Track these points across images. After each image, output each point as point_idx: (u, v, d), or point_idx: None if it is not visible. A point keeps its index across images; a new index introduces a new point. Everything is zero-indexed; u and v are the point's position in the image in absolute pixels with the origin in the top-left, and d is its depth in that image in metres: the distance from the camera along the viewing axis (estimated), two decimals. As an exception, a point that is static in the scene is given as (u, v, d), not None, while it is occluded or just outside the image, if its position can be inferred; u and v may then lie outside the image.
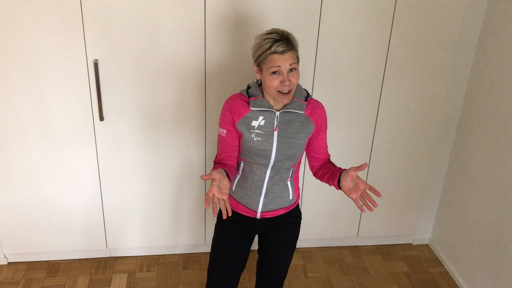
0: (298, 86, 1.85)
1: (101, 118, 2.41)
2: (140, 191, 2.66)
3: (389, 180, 2.84)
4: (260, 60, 1.71)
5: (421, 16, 2.42)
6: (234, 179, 1.94)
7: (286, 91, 1.71)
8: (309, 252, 2.98)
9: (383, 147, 2.73)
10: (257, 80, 1.85)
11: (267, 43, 1.67)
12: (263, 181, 1.88)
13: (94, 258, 2.83)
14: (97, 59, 2.29)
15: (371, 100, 2.60)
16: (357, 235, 2.99)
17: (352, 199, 1.76)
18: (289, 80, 1.69)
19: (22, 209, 2.60)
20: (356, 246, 3.05)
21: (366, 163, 1.69)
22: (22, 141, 2.43)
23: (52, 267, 2.74)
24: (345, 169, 1.80)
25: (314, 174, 1.99)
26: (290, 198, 1.96)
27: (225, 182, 1.67)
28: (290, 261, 2.10)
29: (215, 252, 2.03)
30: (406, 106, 2.64)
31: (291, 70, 1.70)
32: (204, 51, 2.35)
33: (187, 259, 2.86)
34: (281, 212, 1.96)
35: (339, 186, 1.81)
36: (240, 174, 1.92)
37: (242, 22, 2.31)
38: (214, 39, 2.33)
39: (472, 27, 2.54)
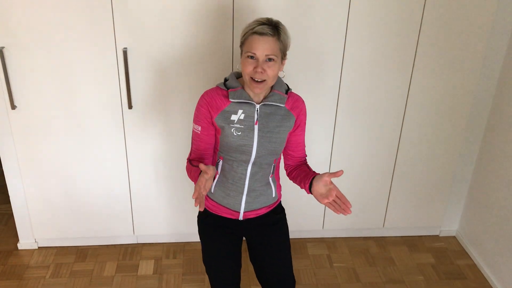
0: (279, 79, 1.77)
1: (130, 106, 2.43)
2: (167, 179, 2.68)
3: (416, 171, 2.80)
4: (242, 42, 1.67)
5: (451, 11, 2.36)
6: (214, 180, 1.84)
7: (259, 80, 1.63)
8: (334, 242, 2.97)
9: (411, 137, 2.69)
10: (235, 72, 1.80)
11: (253, 24, 1.64)
12: (245, 179, 1.79)
13: (121, 245, 2.88)
14: (126, 48, 2.31)
15: (400, 91, 2.56)
16: (383, 226, 2.96)
17: (323, 203, 1.67)
18: (263, 69, 1.61)
19: (52, 196, 2.65)
20: (382, 237, 3.03)
21: (342, 171, 1.60)
22: (51, 129, 2.47)
23: (81, 253, 2.80)
24: (319, 174, 1.73)
25: (288, 174, 1.91)
26: (273, 195, 1.89)
27: (210, 183, 1.58)
28: (291, 260, 1.96)
29: (207, 259, 1.94)
30: (435, 97, 2.59)
31: (269, 59, 1.62)
32: (232, 41, 2.34)
33: (212, 247, 2.89)
34: (264, 211, 1.89)
35: (310, 191, 1.73)
36: (219, 173, 1.82)
37: (272, 10, 2.29)
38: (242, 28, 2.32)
39: (504, 22, 2.46)
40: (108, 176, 2.64)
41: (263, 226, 1.91)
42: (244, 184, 1.80)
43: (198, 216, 1.97)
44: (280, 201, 1.99)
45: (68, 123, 2.47)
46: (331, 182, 1.66)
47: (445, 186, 2.87)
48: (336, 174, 1.60)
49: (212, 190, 1.86)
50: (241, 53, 1.69)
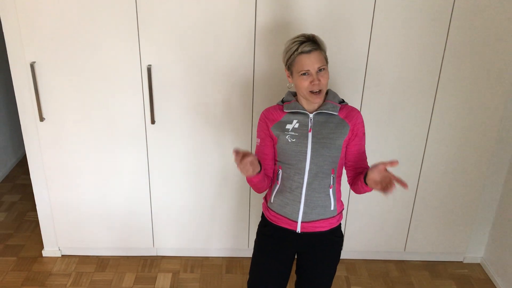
0: (332, 92, 1.88)
1: (153, 122, 2.49)
2: (187, 193, 2.72)
3: (441, 194, 2.74)
4: (289, 63, 1.80)
5: (478, 23, 2.32)
6: (274, 189, 1.93)
7: (317, 90, 1.76)
8: (353, 263, 2.92)
9: (434, 159, 2.64)
10: (290, 92, 1.93)
11: (294, 45, 1.77)
12: (302, 187, 1.85)
13: (141, 256, 2.92)
14: (150, 65, 2.37)
15: (424, 111, 2.52)
16: (404, 250, 2.90)
17: (377, 189, 1.70)
18: (319, 80, 1.75)
19: (76, 206, 2.73)
20: (402, 261, 2.96)
21: (397, 161, 1.64)
22: (77, 141, 2.55)
23: (102, 262, 2.86)
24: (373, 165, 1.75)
25: (350, 185, 1.93)
26: (332, 208, 1.90)
27: (252, 168, 1.69)
28: (331, 286, 2.02)
29: (255, 271, 2.01)
30: (461, 118, 2.54)
31: (320, 70, 1.76)
32: (253, 59, 2.37)
33: (230, 263, 2.89)
34: (323, 225, 1.90)
35: (365, 182, 1.76)
36: (279, 183, 1.91)
37: (292, 29, 2.31)
38: (263, 47, 2.35)
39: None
40: (130, 189, 2.69)
41: (320, 246, 1.94)
42: (301, 193, 1.86)
43: (258, 225, 2.04)
44: (340, 224, 2.00)
45: (93, 135, 2.54)
46: (386, 170, 1.69)
47: (471, 210, 2.79)
48: (392, 163, 1.64)
49: (272, 200, 1.94)
50: (291, 74, 1.81)
